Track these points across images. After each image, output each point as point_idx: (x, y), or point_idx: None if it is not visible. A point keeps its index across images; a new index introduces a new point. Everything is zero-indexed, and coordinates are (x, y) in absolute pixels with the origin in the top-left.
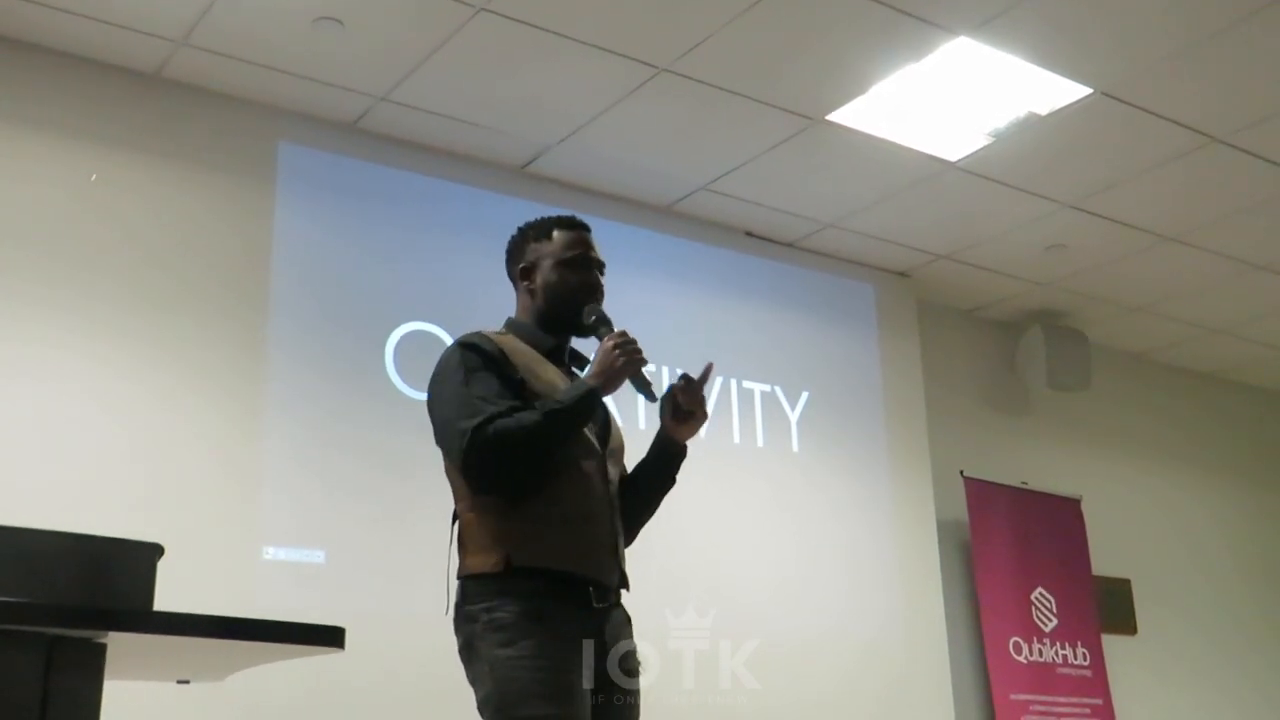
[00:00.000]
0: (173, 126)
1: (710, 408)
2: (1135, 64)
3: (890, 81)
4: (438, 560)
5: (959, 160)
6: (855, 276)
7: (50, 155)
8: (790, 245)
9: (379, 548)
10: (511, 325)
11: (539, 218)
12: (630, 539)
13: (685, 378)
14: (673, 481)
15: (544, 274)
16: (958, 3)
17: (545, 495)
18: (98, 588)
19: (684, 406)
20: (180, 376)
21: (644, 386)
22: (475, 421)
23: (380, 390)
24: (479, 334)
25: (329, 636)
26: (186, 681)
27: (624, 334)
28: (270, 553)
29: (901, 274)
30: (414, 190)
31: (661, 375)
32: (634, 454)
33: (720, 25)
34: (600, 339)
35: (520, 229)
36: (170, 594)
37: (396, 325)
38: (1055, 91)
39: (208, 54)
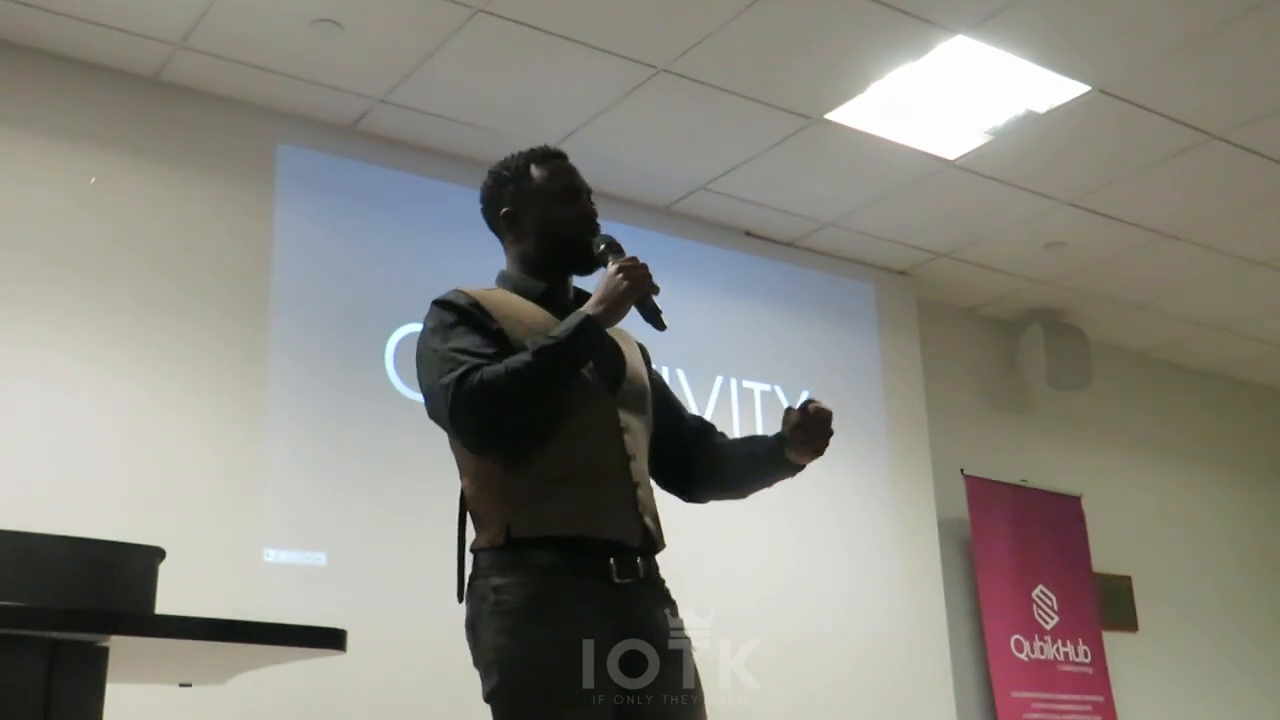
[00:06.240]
0: (172, 129)
1: (713, 406)
2: (1133, 61)
3: (889, 80)
4: (440, 561)
5: (958, 158)
6: (855, 275)
7: (49, 159)
8: (790, 244)
9: (381, 549)
10: (501, 278)
11: (510, 155)
12: (711, 497)
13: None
14: (768, 485)
15: (532, 216)
16: (955, 1)
17: (544, 453)
18: (99, 591)
19: (806, 433)
20: (181, 379)
21: (653, 314)
22: (457, 374)
23: (381, 391)
24: (454, 290)
25: (330, 639)
26: (189, 684)
27: (632, 259)
28: (271, 555)
29: (901, 273)
30: (413, 191)
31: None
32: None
33: (718, 25)
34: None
35: (491, 173)
36: (172, 597)
37: (397, 326)
38: (1053, 89)
39: (206, 57)
